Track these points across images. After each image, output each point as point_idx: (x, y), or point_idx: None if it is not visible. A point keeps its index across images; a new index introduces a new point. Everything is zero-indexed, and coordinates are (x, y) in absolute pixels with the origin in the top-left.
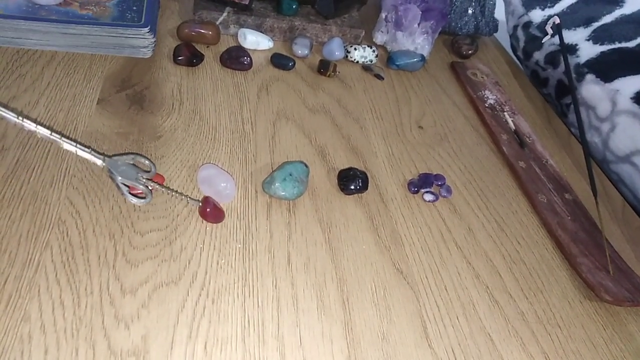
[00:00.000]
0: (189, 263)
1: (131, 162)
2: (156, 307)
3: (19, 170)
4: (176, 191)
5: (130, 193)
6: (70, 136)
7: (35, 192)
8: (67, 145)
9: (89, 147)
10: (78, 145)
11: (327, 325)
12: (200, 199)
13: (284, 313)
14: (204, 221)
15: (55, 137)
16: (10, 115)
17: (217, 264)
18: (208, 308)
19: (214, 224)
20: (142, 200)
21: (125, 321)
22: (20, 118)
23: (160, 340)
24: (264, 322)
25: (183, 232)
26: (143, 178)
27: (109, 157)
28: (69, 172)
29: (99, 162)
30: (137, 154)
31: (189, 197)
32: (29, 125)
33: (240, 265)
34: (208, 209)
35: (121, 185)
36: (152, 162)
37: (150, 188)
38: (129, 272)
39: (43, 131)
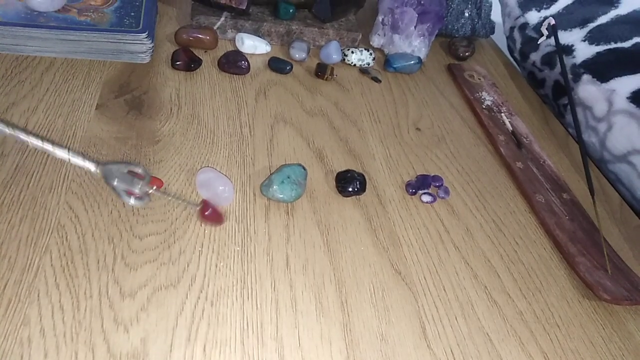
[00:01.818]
0: (187, 266)
1: (125, 171)
2: (155, 310)
3: (18, 176)
4: (174, 195)
5: (128, 195)
6: (69, 142)
7: (35, 197)
8: (60, 153)
9: (81, 155)
10: (70, 153)
11: (326, 326)
12: (198, 202)
13: (283, 315)
14: (203, 224)
15: (47, 146)
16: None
17: (216, 266)
18: (207, 311)
19: (213, 227)
20: (141, 201)
21: (124, 324)
22: (10, 128)
23: (160, 343)
24: (262, 324)
25: (182, 236)
26: (139, 184)
27: (103, 164)
28: (68, 177)
29: (92, 168)
30: (130, 163)
31: (187, 202)
32: (19, 135)
33: (238, 268)
34: (207, 212)
35: (118, 188)
36: (145, 170)
37: (148, 192)
38: (128, 276)
39: (35, 141)
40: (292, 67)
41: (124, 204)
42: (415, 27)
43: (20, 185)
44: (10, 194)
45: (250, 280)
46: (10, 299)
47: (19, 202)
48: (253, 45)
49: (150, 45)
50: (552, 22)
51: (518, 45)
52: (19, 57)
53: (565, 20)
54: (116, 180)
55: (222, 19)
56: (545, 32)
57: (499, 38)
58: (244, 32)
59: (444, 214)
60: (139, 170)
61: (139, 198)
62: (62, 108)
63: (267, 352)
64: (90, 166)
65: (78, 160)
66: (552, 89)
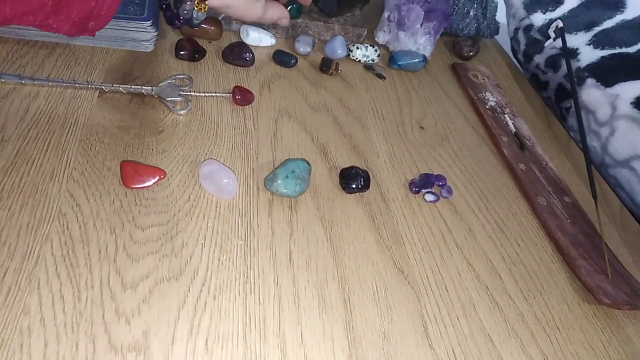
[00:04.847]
0: (190, 259)
1: (172, 82)
2: (157, 303)
3: (19, 162)
4: (207, 92)
5: (175, 107)
6: (70, 129)
7: (36, 185)
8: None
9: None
10: (122, 86)
11: (329, 323)
12: (229, 91)
13: (285, 311)
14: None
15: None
16: None
17: (219, 260)
18: (209, 304)
19: (217, 222)
20: (186, 109)
21: (125, 316)
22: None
23: (161, 335)
24: (265, 320)
25: (184, 228)
26: (183, 92)
27: (156, 86)
28: (69, 165)
29: (148, 90)
30: (174, 76)
31: (220, 93)
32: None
33: (241, 262)
34: (238, 97)
35: (168, 103)
36: (189, 77)
37: (189, 98)
38: (129, 267)
39: (58, 83)
40: (296, 61)
41: (136, 191)
42: (421, 24)
43: (20, 172)
44: (10, 180)
45: (253, 274)
46: (10, 287)
47: (19, 189)
48: (258, 38)
49: (155, 34)
50: (560, 24)
51: (522, 47)
52: (20, 42)
53: (571, 23)
54: (167, 97)
55: None
56: (553, 35)
57: (503, 39)
58: (249, 24)
59: (446, 214)
60: (180, 76)
61: (183, 107)
62: (64, 95)
63: (270, 347)
64: (146, 89)
65: (136, 88)
66: (555, 92)
